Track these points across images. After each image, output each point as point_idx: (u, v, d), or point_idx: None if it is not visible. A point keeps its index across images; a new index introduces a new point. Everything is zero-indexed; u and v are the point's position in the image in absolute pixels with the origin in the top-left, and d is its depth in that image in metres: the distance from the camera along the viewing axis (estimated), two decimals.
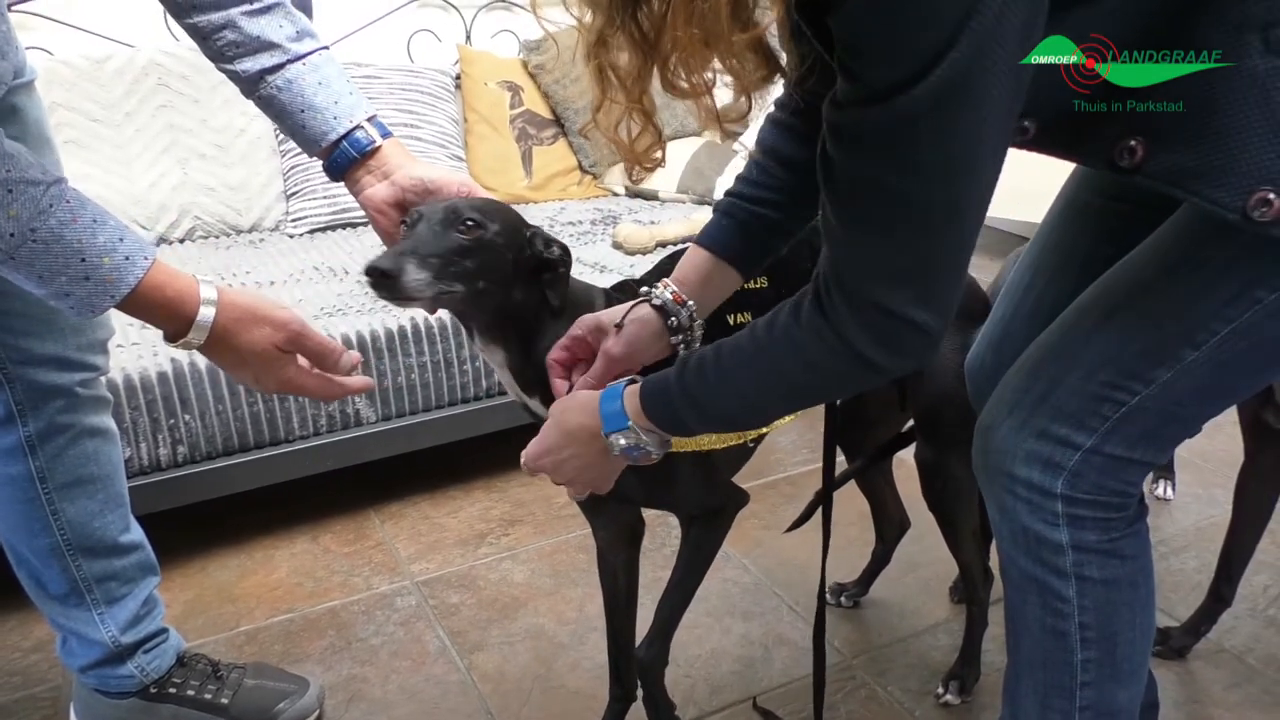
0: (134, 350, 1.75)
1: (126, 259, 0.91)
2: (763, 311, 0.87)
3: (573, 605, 1.77)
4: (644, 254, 2.28)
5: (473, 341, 1.08)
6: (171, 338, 0.97)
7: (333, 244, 2.40)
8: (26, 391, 1.20)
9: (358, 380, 1.08)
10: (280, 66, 1.07)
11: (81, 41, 2.47)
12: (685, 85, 0.76)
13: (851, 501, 1.74)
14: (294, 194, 2.53)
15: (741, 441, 1.19)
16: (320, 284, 2.10)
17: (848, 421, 1.49)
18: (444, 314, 1.63)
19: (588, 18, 0.76)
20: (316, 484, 1.95)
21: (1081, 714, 0.97)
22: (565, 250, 1.05)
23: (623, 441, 0.91)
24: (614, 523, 1.31)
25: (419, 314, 1.91)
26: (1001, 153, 0.73)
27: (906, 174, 0.71)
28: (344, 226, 2.54)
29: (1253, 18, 0.73)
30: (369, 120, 1.09)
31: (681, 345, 1.04)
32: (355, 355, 1.06)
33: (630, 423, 0.90)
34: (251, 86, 1.09)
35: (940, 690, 1.51)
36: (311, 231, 2.50)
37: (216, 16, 1.06)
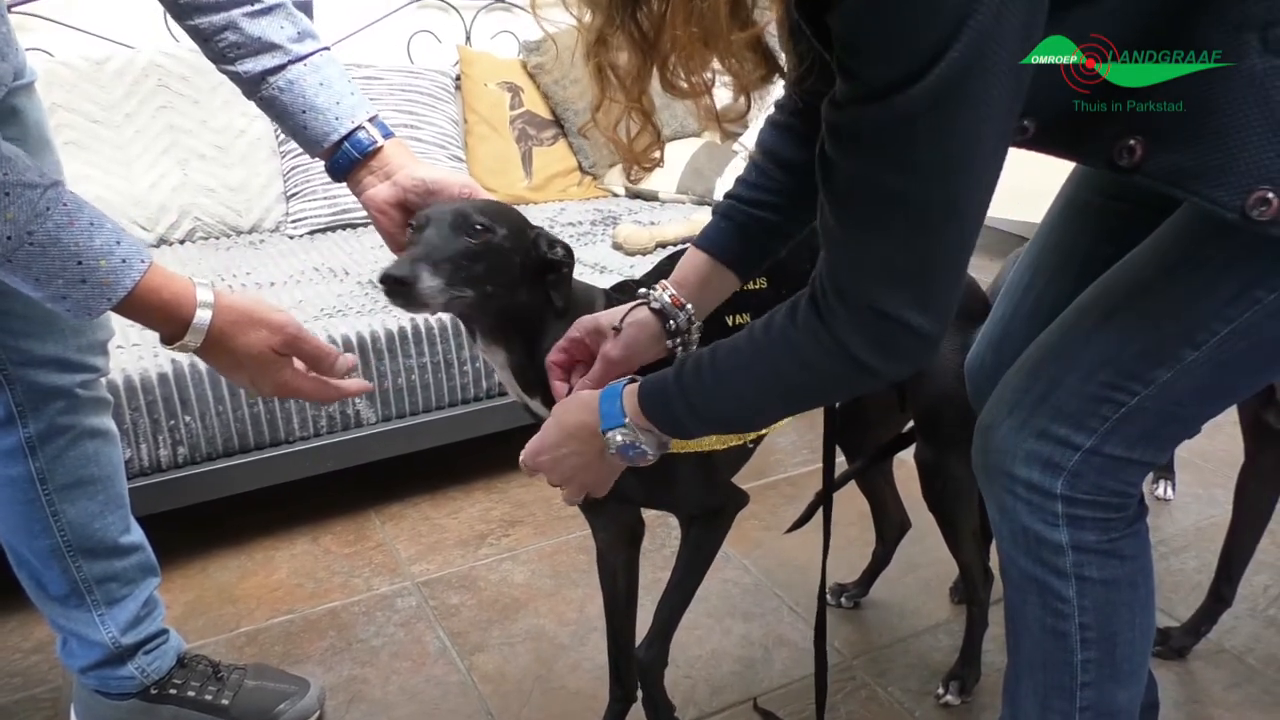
0: (134, 351, 1.75)
1: (123, 262, 0.91)
2: (762, 312, 0.86)
3: (573, 606, 1.77)
4: (644, 254, 2.29)
5: (474, 342, 1.08)
6: (168, 340, 0.97)
7: (333, 245, 2.40)
8: (27, 393, 1.20)
9: (353, 383, 1.08)
10: (282, 67, 1.08)
11: (81, 43, 2.47)
12: (685, 85, 0.76)
13: (852, 502, 1.73)
14: (294, 195, 2.54)
15: (741, 442, 1.19)
16: (320, 285, 2.10)
17: (848, 422, 1.50)
18: (444, 315, 1.63)
19: (587, 17, 0.76)
20: (317, 485, 1.95)
21: (1081, 714, 0.97)
22: (569, 251, 1.05)
23: (619, 439, 0.91)
24: (614, 523, 1.31)
25: (420, 315, 1.91)
26: (1001, 153, 0.73)
27: (904, 173, 0.71)
28: (344, 227, 2.54)
29: (1251, 17, 0.73)
30: (371, 120, 1.10)
31: (679, 348, 1.04)
32: (350, 358, 1.07)
33: (628, 420, 0.90)
34: (253, 88, 1.09)
35: (940, 691, 1.51)
36: (312, 232, 2.50)
37: (218, 18, 1.06)
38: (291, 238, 2.49)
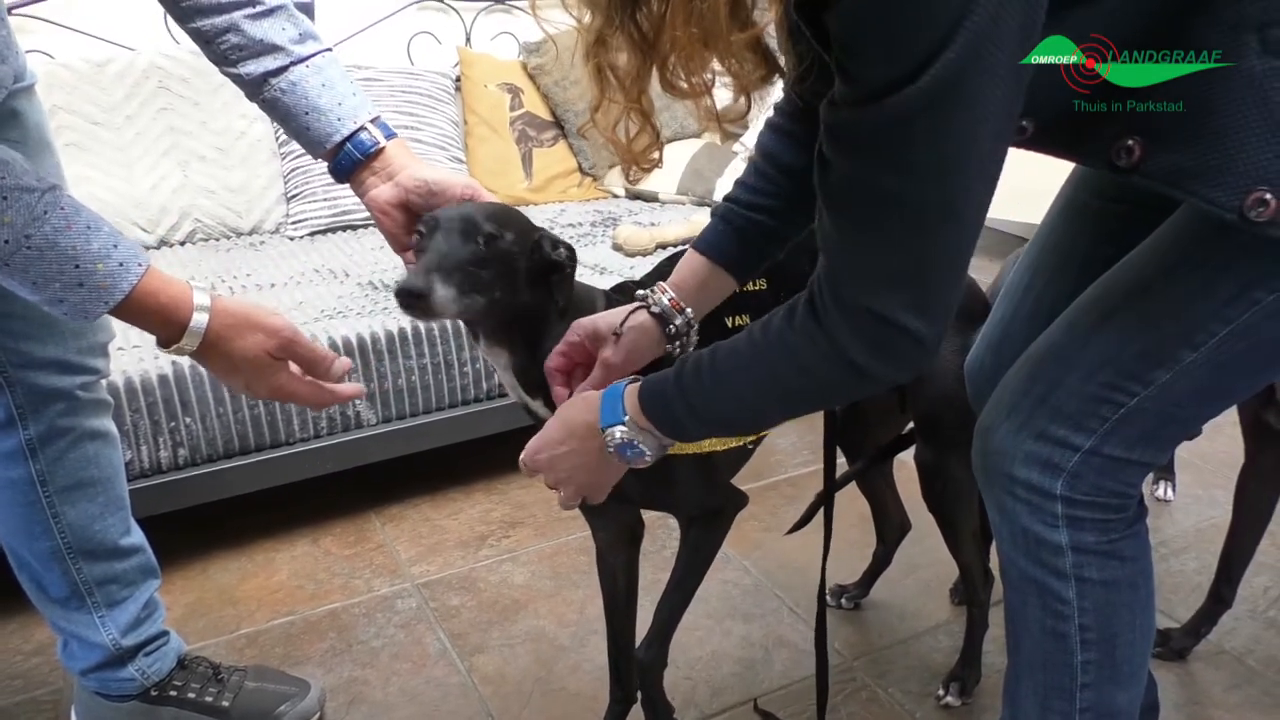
0: (134, 353, 1.75)
1: (120, 265, 0.91)
2: (761, 313, 0.86)
3: (573, 607, 1.77)
4: (644, 255, 2.29)
5: (477, 343, 1.08)
6: (165, 343, 0.97)
7: (333, 246, 2.40)
8: (27, 395, 1.20)
9: (349, 387, 1.08)
10: (284, 69, 1.08)
11: (82, 45, 2.47)
12: (684, 85, 0.76)
13: (852, 503, 1.73)
14: (294, 196, 2.54)
15: (741, 443, 1.19)
16: (321, 286, 2.10)
17: (848, 423, 1.50)
18: None
19: (587, 18, 0.76)
20: (317, 486, 1.95)
21: (1081, 715, 0.97)
22: (572, 251, 1.06)
23: (619, 436, 0.91)
24: (613, 524, 1.31)
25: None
26: (1000, 154, 0.73)
27: (900, 174, 0.71)
28: (344, 229, 2.54)
29: (1250, 18, 0.74)
30: (373, 121, 1.10)
31: (676, 350, 1.04)
32: (346, 362, 1.07)
33: (628, 418, 0.90)
34: (255, 89, 1.09)
35: (941, 692, 1.51)
36: (312, 234, 2.51)
37: (220, 20, 1.06)
38: (292, 239, 2.49)
